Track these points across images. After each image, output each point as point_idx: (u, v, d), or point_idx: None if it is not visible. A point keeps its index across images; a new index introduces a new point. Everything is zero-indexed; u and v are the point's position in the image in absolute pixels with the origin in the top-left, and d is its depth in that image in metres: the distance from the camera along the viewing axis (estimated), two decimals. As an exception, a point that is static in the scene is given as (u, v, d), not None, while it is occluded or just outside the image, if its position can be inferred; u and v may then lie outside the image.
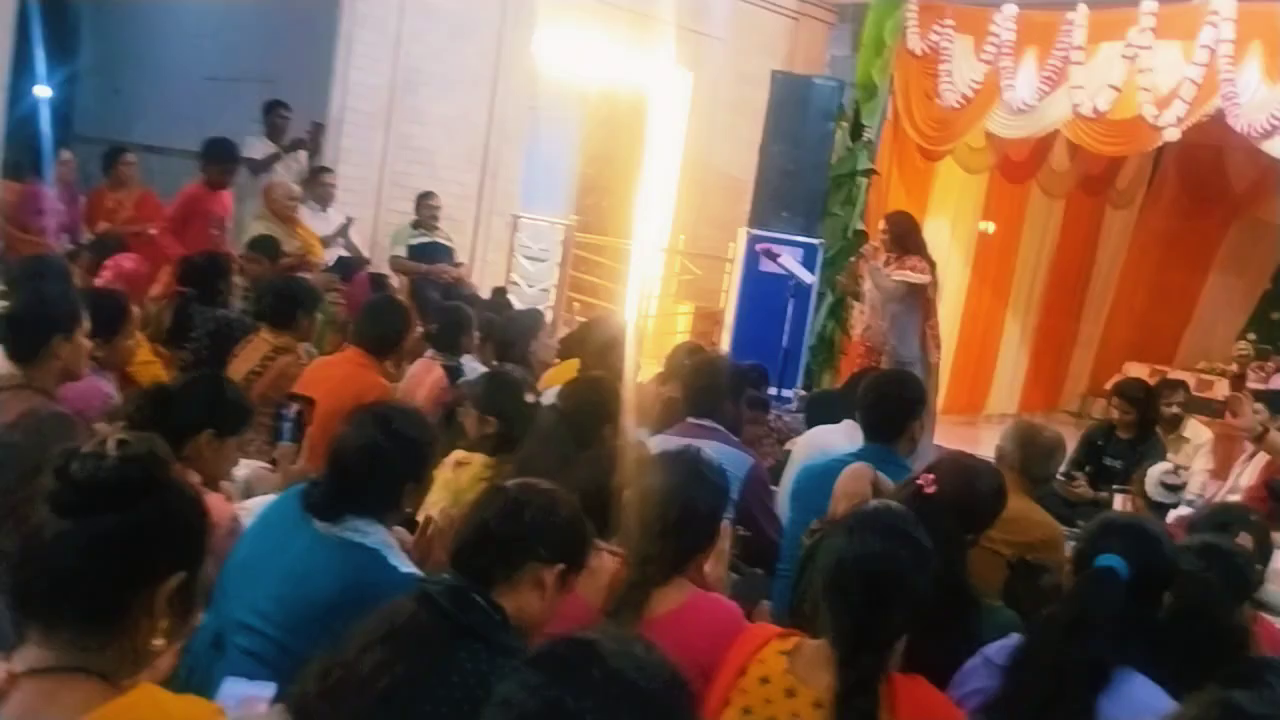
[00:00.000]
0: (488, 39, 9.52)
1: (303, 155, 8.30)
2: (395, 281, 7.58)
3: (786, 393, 7.67)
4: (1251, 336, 9.28)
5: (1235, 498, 5.59)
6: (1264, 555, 3.27)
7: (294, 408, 3.82)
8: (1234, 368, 8.96)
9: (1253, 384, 8.41)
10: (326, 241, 7.66)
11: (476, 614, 1.96)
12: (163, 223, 6.81)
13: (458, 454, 3.55)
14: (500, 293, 7.94)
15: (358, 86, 8.92)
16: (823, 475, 3.64)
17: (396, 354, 4.43)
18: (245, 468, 3.56)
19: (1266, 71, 6.85)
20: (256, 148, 7.95)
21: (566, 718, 1.23)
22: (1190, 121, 7.15)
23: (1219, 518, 3.34)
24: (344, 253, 7.72)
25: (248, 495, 3.37)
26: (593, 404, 3.57)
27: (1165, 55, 7.24)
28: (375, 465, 2.43)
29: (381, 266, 7.91)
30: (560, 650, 1.33)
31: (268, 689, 1.93)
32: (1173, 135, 7.32)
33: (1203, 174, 10.75)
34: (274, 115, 8.22)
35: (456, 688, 1.85)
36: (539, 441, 3.50)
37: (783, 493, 4.21)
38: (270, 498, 2.88)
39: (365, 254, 7.97)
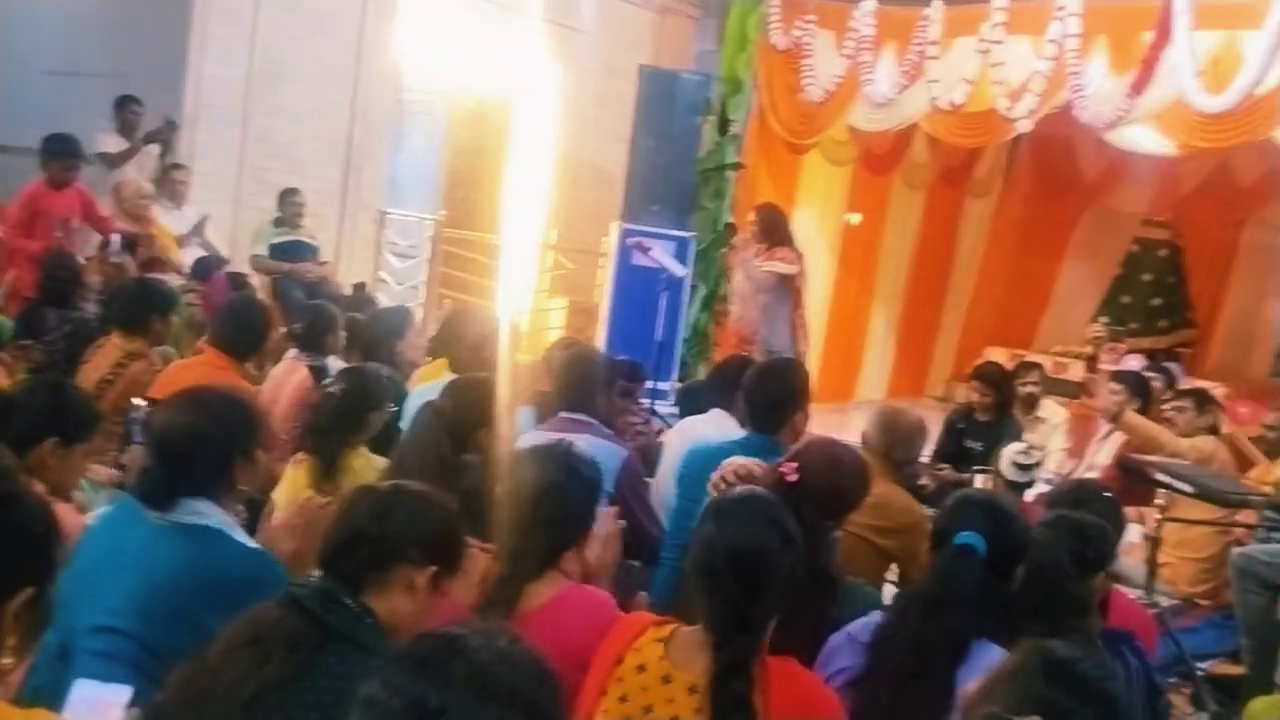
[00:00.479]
0: (348, 31, 9.34)
1: (155, 151, 8.00)
2: (256, 281, 7.37)
3: (663, 385, 7.72)
4: (1104, 319, 9.67)
5: (1092, 475, 5.85)
6: (1117, 530, 3.42)
7: (144, 409, 3.67)
8: (1088, 350, 9.32)
9: (1106, 365, 8.79)
10: (182, 241, 7.42)
11: (346, 617, 1.92)
12: (5, 224, 6.50)
13: (300, 454, 3.51)
14: (361, 289, 7.78)
15: (213, 80, 8.66)
16: (709, 461, 3.68)
17: (258, 355, 4.33)
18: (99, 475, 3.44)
19: (1112, 65, 7.15)
20: (109, 143, 7.63)
21: (430, 715, 1.23)
22: (1041, 113, 7.41)
23: (1074, 494, 3.48)
24: (201, 252, 7.48)
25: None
26: (472, 404, 3.51)
27: (1016, 50, 7.48)
28: (197, 444, 2.36)
29: (242, 266, 7.68)
30: (423, 647, 1.32)
31: (122, 692, 1.86)
32: (1025, 127, 7.60)
33: (1056, 164, 11.19)
34: (126, 111, 7.87)
35: (326, 692, 1.82)
36: (416, 441, 3.46)
37: (659, 484, 4.25)
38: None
39: (224, 253, 7.73)
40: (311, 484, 3.36)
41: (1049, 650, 1.71)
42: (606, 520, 2.74)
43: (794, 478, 2.81)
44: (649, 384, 6.59)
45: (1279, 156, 8.05)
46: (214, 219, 7.99)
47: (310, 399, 4.40)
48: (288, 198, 7.96)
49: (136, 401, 3.81)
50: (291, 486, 3.41)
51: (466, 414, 3.43)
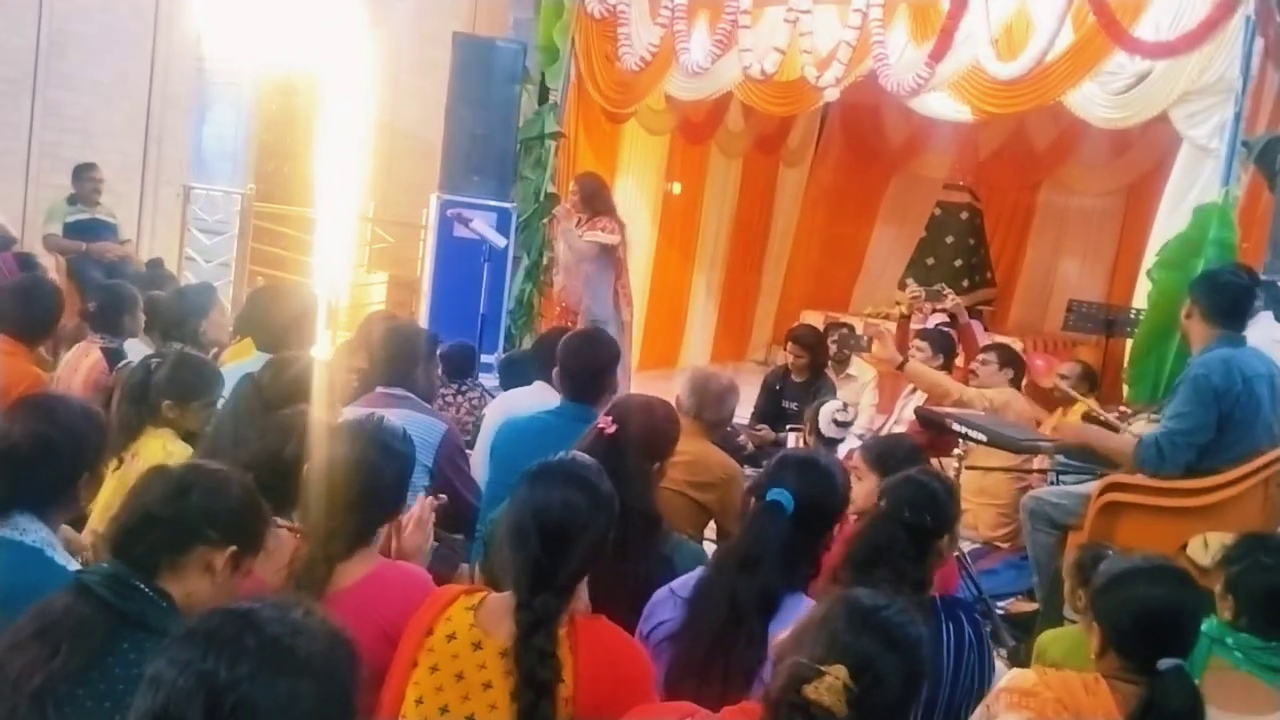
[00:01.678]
0: (144, -2, 8.93)
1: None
2: (49, 261, 7.01)
3: (487, 358, 7.68)
4: (910, 281, 10.04)
5: (900, 429, 6.11)
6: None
7: None
8: (904, 308, 9.57)
9: (915, 324, 9.14)
10: (-37, 221, 7.00)
11: (139, 602, 1.87)
12: None
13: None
14: (159, 265, 7.45)
15: (-3, 49, 8.18)
16: (522, 433, 3.71)
17: (49, 339, 4.12)
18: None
19: (912, 34, 7.39)
20: None
21: (221, 691, 1.20)
22: (847, 81, 7.58)
23: (884, 447, 3.64)
24: (-12, 232, 7.07)
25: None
26: (290, 380, 3.42)
27: (823, 19, 7.64)
28: (45, 458, 2.31)
29: (34, 246, 7.29)
30: (213, 622, 1.29)
31: None
32: (832, 95, 7.78)
33: (864, 132, 11.54)
34: None
35: (119, 680, 1.76)
36: (231, 413, 3.37)
37: (478, 456, 4.25)
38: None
39: (13, 233, 7.31)
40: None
41: (854, 598, 1.76)
42: (419, 505, 2.73)
43: (611, 430, 2.97)
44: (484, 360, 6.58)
45: (1071, 122, 8.50)
46: (2, 197, 7.58)
47: (104, 383, 4.23)
48: (83, 173, 7.60)
49: None
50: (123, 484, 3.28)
51: (284, 390, 3.35)
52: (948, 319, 6.97)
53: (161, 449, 3.34)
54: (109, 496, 3.21)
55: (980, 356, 6.05)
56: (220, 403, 3.57)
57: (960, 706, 2.55)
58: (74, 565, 2.32)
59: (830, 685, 1.60)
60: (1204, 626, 2.45)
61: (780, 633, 2.29)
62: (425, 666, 2.06)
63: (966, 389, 5.56)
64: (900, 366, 5.47)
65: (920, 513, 2.62)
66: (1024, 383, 6.12)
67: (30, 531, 2.28)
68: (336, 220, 10.17)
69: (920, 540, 2.61)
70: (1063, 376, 6.16)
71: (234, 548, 2.00)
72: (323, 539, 2.37)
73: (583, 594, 2.16)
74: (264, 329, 4.41)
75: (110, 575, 1.90)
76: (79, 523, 3.11)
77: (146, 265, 7.36)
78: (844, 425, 5.04)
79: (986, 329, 9.12)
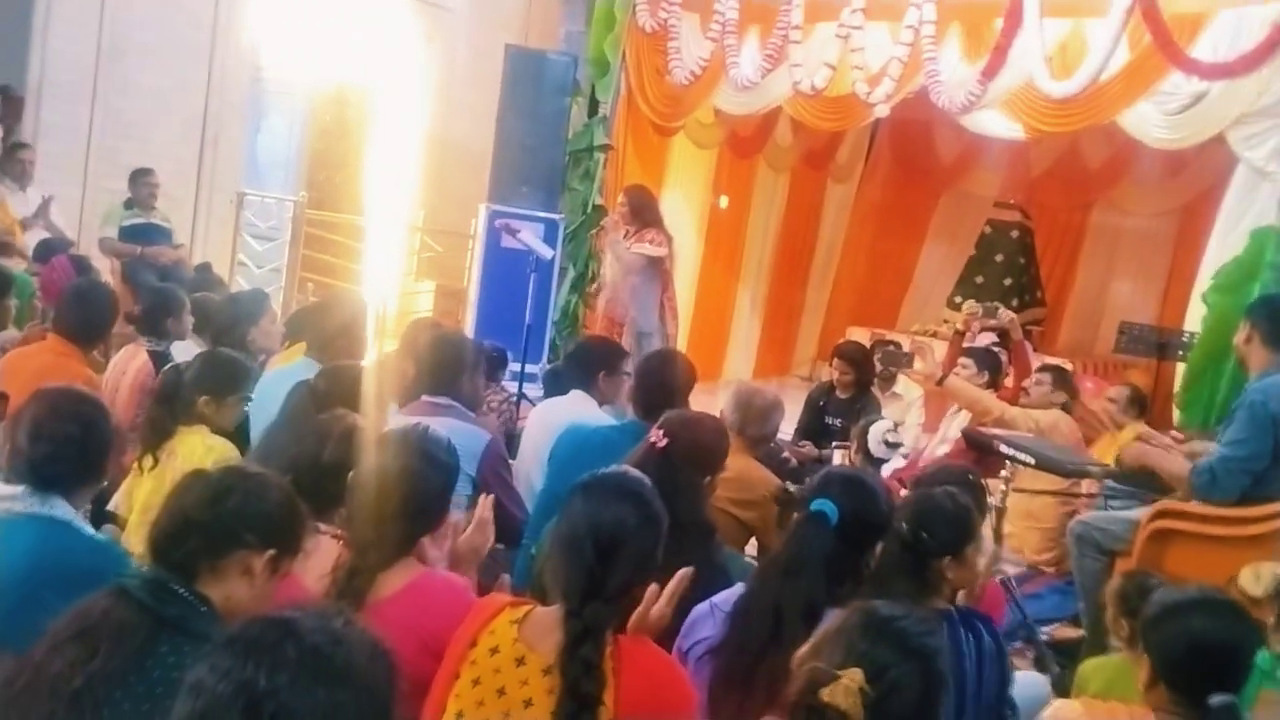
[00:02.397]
0: (203, 7, 9.06)
1: (-4, 130, 7.67)
2: (105, 265, 7.12)
3: (531, 368, 7.70)
4: (959, 299, 9.96)
5: (945, 448, 6.05)
6: (980, 509, 3.55)
7: None
8: (959, 324, 9.43)
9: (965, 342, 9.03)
10: (26, 223, 7.12)
11: (178, 606, 1.88)
12: None
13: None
14: (207, 269, 7.54)
15: (58, 55, 8.33)
16: (586, 445, 3.73)
17: (103, 342, 4.18)
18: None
19: (965, 51, 7.36)
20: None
21: (260, 699, 1.21)
22: (898, 98, 7.56)
23: (940, 476, 3.60)
24: (45, 234, 7.18)
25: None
26: (344, 388, 3.49)
27: (875, 36, 7.62)
28: (66, 449, 2.44)
29: (90, 249, 7.41)
30: (254, 630, 1.30)
31: None
32: (883, 111, 7.76)
33: (914, 149, 11.47)
34: None
35: (158, 683, 1.77)
36: (288, 419, 3.42)
37: (521, 466, 4.26)
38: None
39: (70, 236, 7.43)
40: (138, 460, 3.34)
41: (872, 609, 1.78)
42: (483, 506, 2.72)
43: (663, 443, 3.03)
44: (517, 367, 6.60)
45: (1125, 142, 8.39)
46: (60, 200, 7.69)
47: (150, 385, 4.28)
48: (140, 178, 7.71)
49: None
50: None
51: (338, 397, 3.39)
52: (997, 338, 6.89)
53: (201, 444, 3.38)
54: (146, 496, 3.26)
55: (1035, 377, 5.98)
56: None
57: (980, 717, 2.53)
58: (100, 535, 2.49)
59: (845, 689, 1.61)
60: (1256, 659, 2.40)
61: None
62: (468, 679, 2.06)
63: (1009, 408, 5.50)
64: (940, 382, 5.43)
65: (918, 529, 2.64)
66: (1075, 407, 6.05)
67: (58, 507, 2.39)
68: (386, 229, 10.24)
69: (918, 556, 2.64)
70: (1111, 400, 6.08)
71: (273, 551, 2.01)
72: (364, 548, 2.38)
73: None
74: (315, 335, 4.49)
75: (150, 579, 1.92)
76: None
77: (195, 270, 7.44)
78: (893, 446, 5.02)
79: (1035, 350, 9.03)
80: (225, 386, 3.54)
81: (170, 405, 3.38)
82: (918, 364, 6.00)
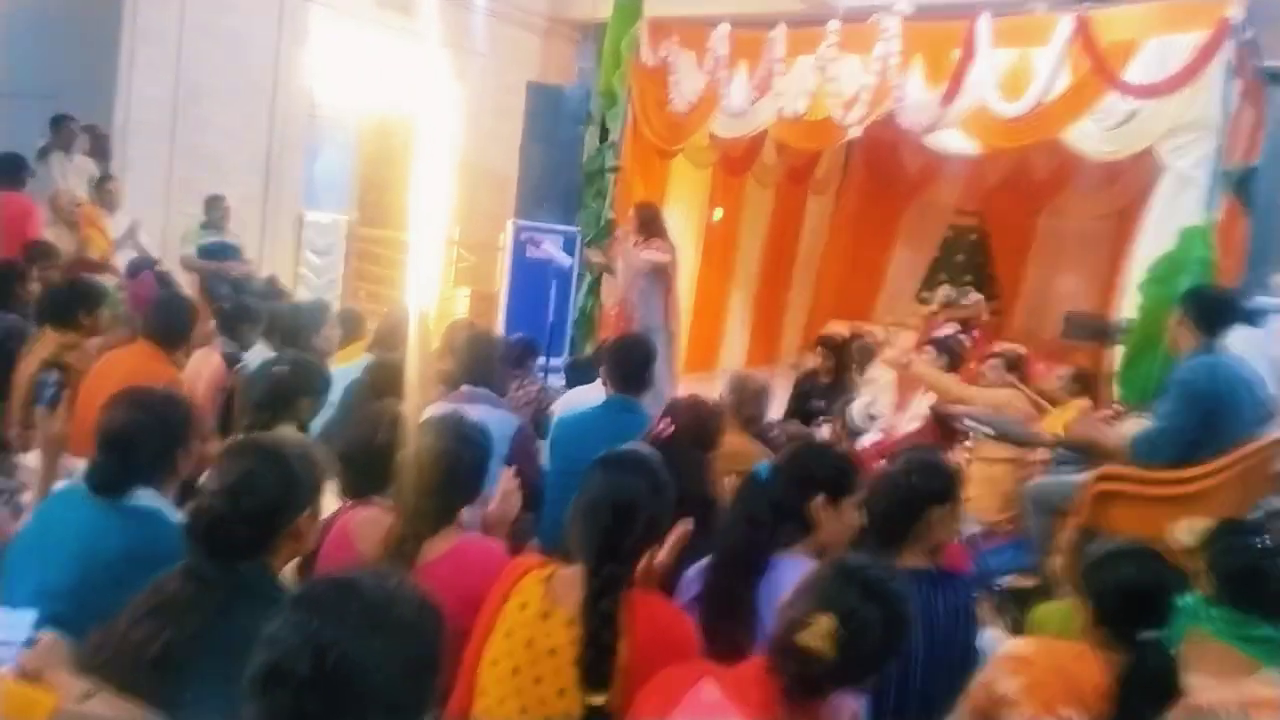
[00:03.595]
0: (265, 53, 9.10)
1: (90, 164, 7.69)
2: (185, 278, 7.15)
3: (555, 362, 7.72)
4: (926, 295, 9.92)
5: (915, 424, 6.04)
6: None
7: (54, 374, 3.51)
8: (934, 307, 9.39)
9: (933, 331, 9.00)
10: (117, 244, 7.16)
11: (241, 579, 1.86)
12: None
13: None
14: (273, 281, 7.57)
15: (141, 98, 8.38)
16: (573, 425, 3.75)
17: (185, 345, 4.21)
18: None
19: (927, 78, 7.29)
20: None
21: (325, 648, 1.22)
22: (869, 121, 7.49)
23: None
24: (134, 254, 7.23)
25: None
26: (390, 380, 3.60)
27: (848, 66, 7.55)
28: (141, 440, 2.33)
29: (172, 266, 7.45)
30: (320, 589, 1.32)
31: (29, 614, 1.79)
32: (856, 132, 7.70)
33: (884, 165, 11.39)
34: (62, 128, 7.58)
35: (235, 638, 1.72)
36: (344, 410, 3.53)
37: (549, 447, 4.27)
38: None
39: (155, 254, 7.47)
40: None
41: (842, 560, 1.80)
42: (505, 479, 2.75)
43: (669, 431, 3.09)
44: (543, 360, 6.61)
45: (1068, 155, 8.34)
46: (145, 223, 7.74)
47: (224, 383, 4.32)
48: (213, 203, 7.75)
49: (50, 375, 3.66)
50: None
51: (387, 389, 3.50)
52: (960, 326, 6.89)
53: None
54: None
55: (989, 361, 5.98)
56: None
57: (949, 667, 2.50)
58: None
59: (818, 631, 1.62)
60: (1184, 601, 2.40)
61: (771, 585, 2.30)
62: (500, 632, 2.07)
63: (967, 388, 5.49)
64: (906, 367, 5.42)
65: (910, 474, 2.55)
66: (1027, 385, 6.04)
67: (142, 497, 2.30)
68: (427, 243, 10.26)
69: (911, 505, 2.55)
70: (1058, 379, 6.07)
71: (308, 510, 1.99)
72: (413, 518, 2.39)
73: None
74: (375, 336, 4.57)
75: (214, 562, 1.88)
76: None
77: (265, 281, 7.48)
78: (873, 419, 5.03)
79: (993, 337, 9.01)
80: (320, 389, 3.53)
81: (274, 408, 3.29)
82: (887, 352, 6.01)
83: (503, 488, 2.70)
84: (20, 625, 1.81)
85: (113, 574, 2.09)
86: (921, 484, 2.55)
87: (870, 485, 2.63)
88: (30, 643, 1.72)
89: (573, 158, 8.66)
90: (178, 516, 2.30)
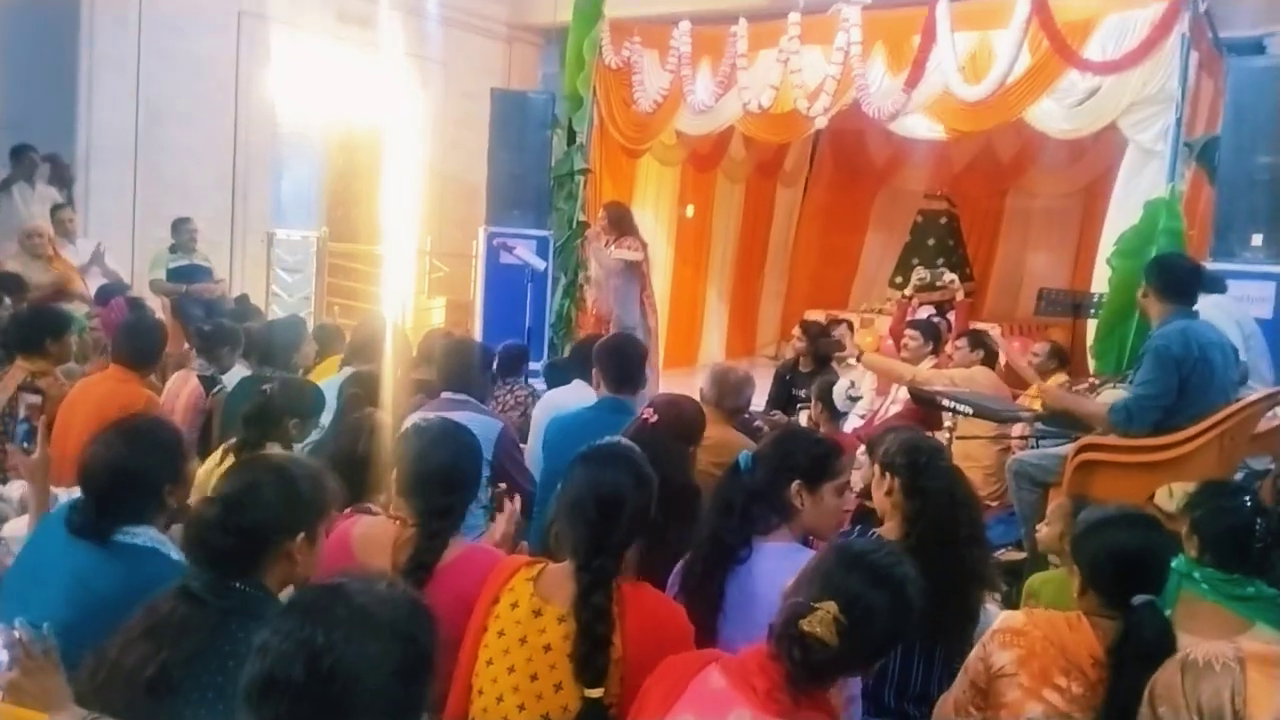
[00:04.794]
0: (226, 73, 9.05)
1: (53, 192, 7.62)
2: (156, 302, 7.08)
3: (534, 365, 7.69)
4: (899, 280, 9.97)
5: (896, 408, 6.06)
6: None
7: (24, 408, 3.44)
8: (909, 290, 9.41)
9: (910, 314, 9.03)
10: (83, 270, 7.08)
11: (236, 598, 1.82)
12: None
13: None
14: (244, 300, 7.52)
15: (102, 124, 8.33)
16: (569, 426, 3.73)
17: (157, 366, 4.17)
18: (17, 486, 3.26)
19: (889, 66, 7.35)
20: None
21: (318, 653, 1.20)
22: (834, 110, 7.55)
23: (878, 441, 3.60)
24: (103, 279, 7.15)
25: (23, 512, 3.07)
26: (370, 391, 3.62)
27: (810, 58, 7.61)
28: (127, 480, 2.22)
29: (143, 290, 7.37)
30: (309, 596, 1.30)
31: (20, 622, 1.74)
32: (821, 123, 7.74)
33: (851, 153, 11.46)
34: (23, 158, 7.51)
35: (229, 656, 1.73)
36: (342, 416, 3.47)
37: (531, 448, 4.25)
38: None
39: (124, 279, 7.39)
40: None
41: (846, 545, 1.77)
42: (510, 506, 2.68)
43: (653, 419, 3.08)
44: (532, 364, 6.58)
45: (1032, 134, 8.42)
46: (113, 249, 7.68)
47: (202, 405, 4.29)
48: (181, 225, 7.68)
49: (29, 398, 3.60)
50: (213, 479, 3.28)
51: (367, 399, 3.52)
52: (935, 309, 6.93)
53: None
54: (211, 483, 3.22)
55: (956, 342, 6.02)
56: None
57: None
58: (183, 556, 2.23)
59: (822, 618, 1.60)
60: (1173, 564, 2.41)
61: (766, 576, 2.29)
62: (494, 631, 2.05)
63: (920, 370, 5.54)
64: (858, 358, 5.46)
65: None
66: (997, 363, 6.07)
67: (140, 535, 2.20)
68: (399, 255, 10.23)
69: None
70: (1035, 355, 6.10)
71: (302, 534, 1.92)
72: (427, 531, 2.35)
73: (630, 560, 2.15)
74: (350, 350, 4.54)
75: (208, 579, 1.85)
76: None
77: (235, 301, 7.42)
78: (854, 400, 5.04)
79: (967, 318, 9.07)
80: (310, 410, 3.49)
81: (262, 426, 3.22)
82: (847, 342, 6.06)
83: (509, 510, 2.65)
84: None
85: (110, 615, 2.00)
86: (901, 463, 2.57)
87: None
88: (12, 661, 1.67)
89: (541, 162, 8.65)
90: (174, 551, 2.24)
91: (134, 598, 2.01)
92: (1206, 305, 4.36)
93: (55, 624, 1.96)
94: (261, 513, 1.89)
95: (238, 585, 1.85)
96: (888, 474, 2.64)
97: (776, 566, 2.30)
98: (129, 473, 2.22)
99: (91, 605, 2.07)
